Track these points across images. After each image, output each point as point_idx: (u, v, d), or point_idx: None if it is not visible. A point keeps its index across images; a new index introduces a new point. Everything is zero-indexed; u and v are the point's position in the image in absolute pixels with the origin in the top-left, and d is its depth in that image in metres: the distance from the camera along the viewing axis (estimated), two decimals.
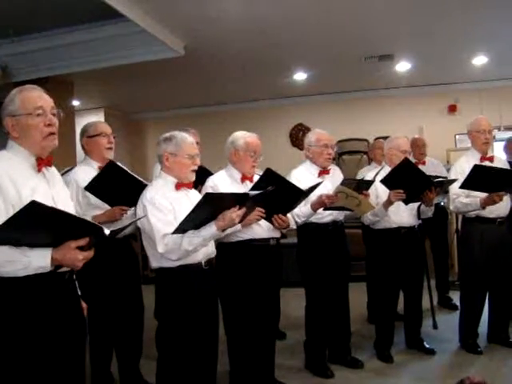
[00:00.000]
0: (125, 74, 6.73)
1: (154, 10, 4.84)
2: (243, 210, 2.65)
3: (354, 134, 8.46)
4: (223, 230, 2.71)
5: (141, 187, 3.03)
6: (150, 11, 4.88)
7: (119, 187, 3.27)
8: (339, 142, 8.44)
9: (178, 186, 2.85)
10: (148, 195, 2.77)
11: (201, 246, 2.69)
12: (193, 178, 2.91)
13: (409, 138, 5.84)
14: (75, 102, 8.22)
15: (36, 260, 1.91)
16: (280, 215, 3.27)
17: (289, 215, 3.41)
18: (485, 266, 4.13)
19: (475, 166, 3.63)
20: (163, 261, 2.74)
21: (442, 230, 5.89)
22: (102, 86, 7.80)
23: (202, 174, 3.78)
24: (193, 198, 2.89)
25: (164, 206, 2.73)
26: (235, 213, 2.60)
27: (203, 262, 2.83)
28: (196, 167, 2.90)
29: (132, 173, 3.38)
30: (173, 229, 2.58)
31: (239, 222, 2.78)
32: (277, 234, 3.46)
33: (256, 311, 3.33)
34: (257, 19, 5.21)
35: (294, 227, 3.63)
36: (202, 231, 2.63)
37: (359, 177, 5.03)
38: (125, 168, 3.41)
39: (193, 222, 2.59)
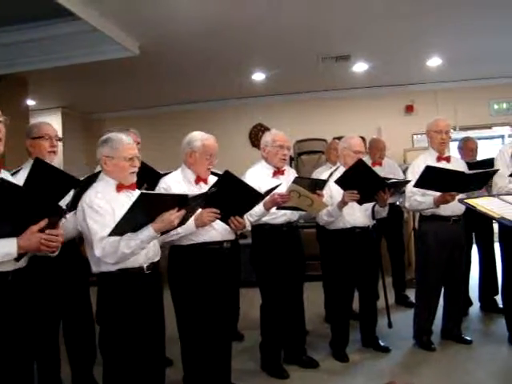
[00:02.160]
0: (81, 74, 6.62)
1: (108, 9, 4.79)
2: (182, 211, 2.59)
3: (313, 134, 8.50)
4: (162, 233, 2.66)
5: (76, 185, 2.97)
6: (103, 11, 4.81)
7: (52, 186, 3.16)
8: (298, 142, 8.53)
9: (119, 188, 2.80)
10: (87, 198, 2.71)
11: (139, 249, 2.62)
12: (133, 179, 2.87)
13: (367, 138, 5.98)
14: (30, 102, 8.04)
15: (1, 247, 1.89)
16: (236, 217, 3.23)
17: (244, 216, 3.38)
18: (440, 263, 4.21)
19: (427, 167, 3.69)
20: (102, 265, 2.68)
21: (398, 229, 5.96)
22: (59, 86, 7.65)
23: (151, 175, 3.77)
24: None
25: (103, 208, 2.67)
26: (174, 215, 2.55)
27: (145, 266, 2.78)
28: (135, 169, 2.85)
29: (63, 170, 3.25)
30: None
31: (181, 225, 2.73)
32: (231, 237, 3.41)
33: (210, 315, 3.29)
34: (212, 20, 5.19)
35: (250, 229, 3.61)
36: (140, 234, 2.57)
37: (314, 177, 5.04)
38: (54, 165, 3.26)
39: (129, 223, 2.52)
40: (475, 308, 5.34)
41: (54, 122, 8.40)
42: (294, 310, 4.01)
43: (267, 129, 8.95)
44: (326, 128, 8.39)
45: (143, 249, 2.67)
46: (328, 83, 8.36)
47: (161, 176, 3.58)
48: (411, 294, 5.54)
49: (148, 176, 3.66)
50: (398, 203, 5.45)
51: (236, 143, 8.85)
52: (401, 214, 5.98)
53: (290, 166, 8.50)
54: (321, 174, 4.69)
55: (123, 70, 6.58)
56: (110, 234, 2.53)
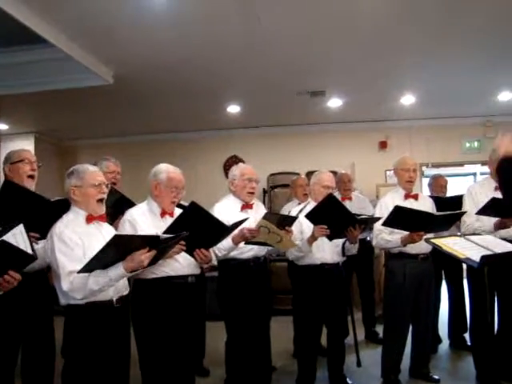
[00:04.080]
0: (55, 100, 6.61)
1: (82, 38, 4.79)
2: (153, 252, 2.58)
3: (287, 168, 8.55)
4: (132, 271, 2.63)
5: (47, 206, 2.93)
6: (77, 39, 4.81)
7: (24, 210, 3.10)
8: (272, 175, 8.56)
9: (89, 219, 2.78)
10: (57, 229, 2.68)
11: (108, 287, 2.61)
12: (102, 209, 2.85)
13: (339, 172, 6.01)
14: (3, 126, 7.96)
15: None
16: (202, 250, 3.20)
17: (210, 250, 3.34)
18: (407, 301, 4.19)
19: (396, 207, 3.70)
20: (71, 297, 2.63)
21: (368, 265, 5.96)
22: (33, 111, 7.60)
23: (125, 205, 3.71)
24: (105, 231, 2.82)
25: (73, 240, 2.64)
26: (144, 255, 2.53)
27: (114, 300, 2.74)
28: (103, 195, 2.84)
29: (35, 192, 3.24)
30: (80, 265, 2.49)
31: (151, 264, 2.69)
32: (196, 271, 3.37)
33: (173, 351, 3.21)
34: (188, 52, 5.24)
35: (216, 263, 3.57)
36: (110, 271, 2.54)
37: (283, 213, 5.03)
38: (25, 187, 3.26)
39: (100, 261, 2.50)
40: (445, 345, 5.33)
41: (26, 147, 8.38)
42: (260, 346, 3.95)
43: (242, 161, 8.99)
44: (300, 162, 8.46)
45: (112, 286, 2.65)
46: (303, 117, 8.47)
47: None
48: (381, 331, 5.52)
49: (124, 207, 3.61)
50: (368, 238, 5.46)
51: (211, 174, 8.86)
52: (371, 250, 5.97)
53: (263, 198, 8.54)
54: (288, 209, 4.67)
55: (97, 97, 6.57)
56: (81, 271, 2.50)
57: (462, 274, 5.26)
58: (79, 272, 2.50)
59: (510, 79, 6.61)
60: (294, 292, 4.25)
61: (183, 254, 3.13)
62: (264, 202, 8.52)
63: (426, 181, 7.20)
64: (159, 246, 2.62)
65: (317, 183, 4.18)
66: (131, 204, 3.75)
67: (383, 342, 4.44)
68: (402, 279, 4.16)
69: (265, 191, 8.64)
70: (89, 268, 2.50)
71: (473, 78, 6.47)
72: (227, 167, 9.26)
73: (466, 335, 5.07)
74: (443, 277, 5.38)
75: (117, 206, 3.57)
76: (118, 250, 2.50)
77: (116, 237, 2.45)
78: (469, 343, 4.91)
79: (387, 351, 4.33)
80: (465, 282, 4.83)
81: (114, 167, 4.25)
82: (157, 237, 2.65)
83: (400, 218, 3.73)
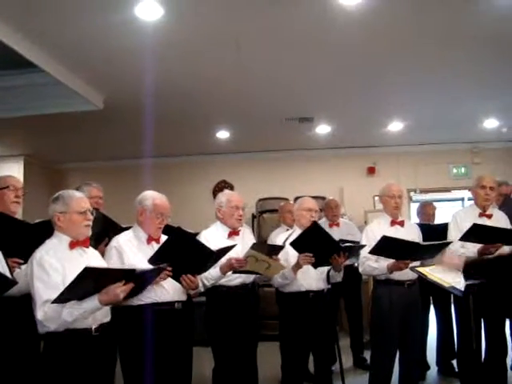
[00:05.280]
0: (45, 123, 6.61)
1: (72, 63, 4.82)
2: (130, 285, 2.55)
3: (276, 193, 8.53)
4: (107, 304, 2.61)
5: (30, 231, 2.93)
6: (67, 65, 4.84)
7: (5, 236, 3.07)
8: (260, 200, 8.56)
9: (72, 245, 2.75)
10: (37, 254, 2.65)
11: (82, 319, 2.56)
12: (87, 233, 2.82)
13: (326, 198, 6.05)
14: None
15: None
16: (189, 275, 3.19)
17: (198, 277, 3.33)
18: (394, 327, 4.17)
19: (383, 237, 3.72)
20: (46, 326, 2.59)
21: (356, 290, 5.94)
22: (22, 134, 7.61)
23: (114, 229, 3.71)
24: (89, 257, 2.81)
25: (52, 266, 2.60)
26: (119, 288, 2.50)
27: (93, 328, 2.69)
28: (89, 222, 2.81)
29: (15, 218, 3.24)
30: (57, 293, 2.45)
31: (131, 296, 2.68)
32: (183, 297, 3.36)
33: (158, 379, 3.16)
34: (178, 79, 5.29)
35: (202, 290, 3.56)
36: (84, 303, 2.51)
37: (270, 239, 5.03)
38: (4, 213, 3.23)
39: (73, 293, 2.46)
40: (433, 372, 5.28)
41: (15, 170, 8.38)
42: (247, 373, 3.92)
43: (231, 185, 9.03)
44: (289, 187, 8.47)
45: (86, 318, 2.60)
46: (292, 143, 8.54)
47: (123, 230, 3.54)
48: (369, 357, 5.50)
49: (110, 230, 3.61)
50: (356, 264, 5.46)
51: (200, 199, 8.84)
52: (359, 276, 5.95)
53: (252, 223, 8.53)
54: (276, 235, 4.68)
55: (87, 121, 6.58)
56: (54, 301, 2.46)
57: (449, 300, 5.26)
58: (53, 302, 2.46)
59: (495, 107, 6.73)
60: (280, 319, 4.23)
61: (170, 279, 3.11)
62: (253, 227, 8.53)
63: (414, 206, 7.25)
64: (136, 279, 2.59)
65: (299, 208, 4.21)
66: (115, 225, 3.76)
67: (370, 368, 4.43)
68: (389, 306, 4.16)
69: (254, 216, 8.64)
70: (62, 298, 2.46)
71: (460, 106, 6.58)
72: (216, 192, 9.27)
73: (455, 362, 5.06)
74: (431, 302, 5.38)
75: (102, 229, 3.56)
76: (90, 282, 2.46)
77: (86, 270, 2.38)
78: (457, 370, 4.90)
79: (374, 378, 4.30)
80: (453, 307, 4.86)
81: (97, 192, 4.25)
82: (132, 270, 2.61)
83: (386, 246, 3.75)
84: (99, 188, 4.28)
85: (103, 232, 3.55)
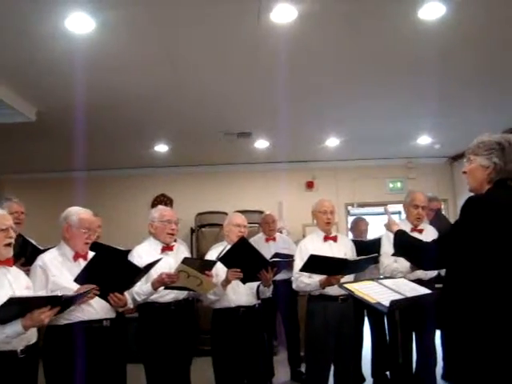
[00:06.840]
0: None
1: (4, 75, 4.66)
2: (56, 309, 2.54)
3: (215, 207, 8.51)
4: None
5: None
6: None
7: None
8: (199, 214, 8.51)
9: None
10: None
11: (4, 343, 2.50)
12: (9, 253, 2.73)
13: (266, 212, 6.09)
14: None
15: None
16: (116, 294, 3.13)
17: (126, 293, 3.27)
18: (327, 341, 4.23)
19: (310, 256, 3.80)
20: None
21: (292, 305, 5.96)
22: None
23: (31, 250, 3.63)
24: (12, 276, 2.73)
25: None
26: (44, 314, 2.48)
27: (18, 350, 2.62)
28: (11, 240, 2.72)
29: None
30: None
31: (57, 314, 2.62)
32: (111, 314, 3.29)
33: None
34: (113, 91, 5.18)
35: (132, 306, 3.49)
36: (6, 328, 2.46)
37: (211, 251, 5.00)
38: None
39: None
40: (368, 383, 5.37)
41: None
42: None
43: (170, 199, 8.95)
44: (228, 201, 8.47)
45: (8, 343, 2.53)
46: (230, 157, 8.55)
47: (40, 252, 3.43)
48: None
49: (27, 250, 3.51)
50: (292, 278, 5.49)
51: (138, 213, 8.61)
52: (295, 290, 6.01)
53: (191, 238, 8.46)
54: (216, 249, 4.67)
55: (21, 133, 6.37)
56: None
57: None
58: None
59: (427, 124, 6.95)
60: (211, 334, 4.17)
61: (97, 298, 3.05)
62: (191, 242, 8.46)
63: (351, 219, 7.35)
64: (63, 304, 2.57)
65: (229, 223, 4.22)
66: (34, 248, 3.69)
67: (305, 382, 4.45)
68: (323, 320, 4.21)
69: (192, 230, 8.57)
70: None
71: (394, 122, 6.73)
72: (155, 206, 9.14)
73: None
74: (365, 315, 5.46)
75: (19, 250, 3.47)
76: (14, 309, 2.43)
77: (10, 300, 2.35)
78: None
79: None
80: (386, 320, 4.95)
81: (17, 207, 4.17)
82: (58, 297, 2.59)
83: (315, 264, 3.83)
84: (19, 203, 4.20)
85: (20, 252, 3.47)
